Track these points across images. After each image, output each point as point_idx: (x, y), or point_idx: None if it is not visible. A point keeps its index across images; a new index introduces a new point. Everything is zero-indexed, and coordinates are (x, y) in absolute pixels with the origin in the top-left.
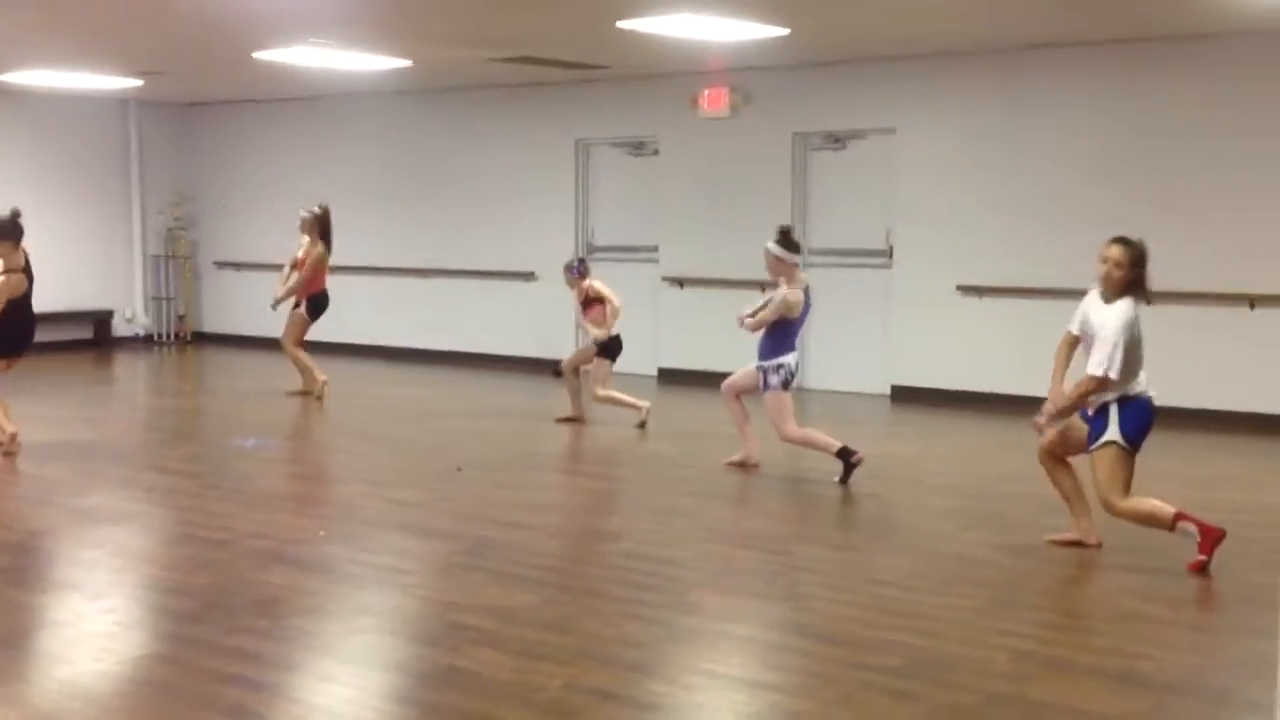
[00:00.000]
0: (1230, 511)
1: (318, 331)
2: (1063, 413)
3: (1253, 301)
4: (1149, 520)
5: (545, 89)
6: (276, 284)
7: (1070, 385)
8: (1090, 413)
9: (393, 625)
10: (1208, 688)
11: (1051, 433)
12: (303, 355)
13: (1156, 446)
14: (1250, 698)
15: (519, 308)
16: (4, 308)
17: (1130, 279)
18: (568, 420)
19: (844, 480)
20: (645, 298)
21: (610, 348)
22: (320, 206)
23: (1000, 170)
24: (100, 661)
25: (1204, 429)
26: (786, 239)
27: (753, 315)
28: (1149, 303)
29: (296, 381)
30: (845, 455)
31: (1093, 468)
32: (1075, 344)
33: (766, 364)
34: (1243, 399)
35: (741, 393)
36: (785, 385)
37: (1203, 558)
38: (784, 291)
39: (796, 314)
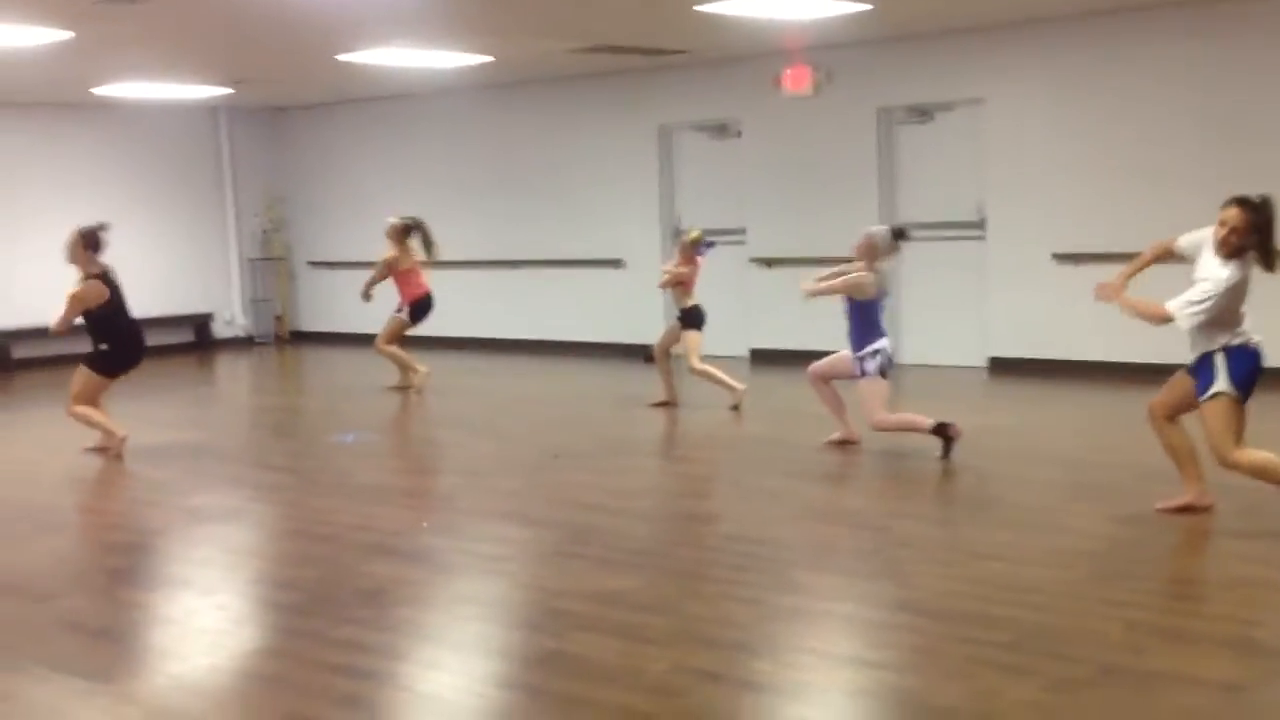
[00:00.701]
0: None
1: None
2: (1113, 290)
3: None
4: (1265, 473)
5: (625, 76)
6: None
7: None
8: (1193, 364)
9: (496, 612)
10: None
11: (1163, 390)
12: (396, 350)
13: (1260, 406)
14: None
15: (608, 295)
16: (94, 321)
17: (1246, 243)
18: (662, 405)
19: (945, 455)
20: (734, 279)
21: (692, 318)
22: (401, 218)
23: (1091, 136)
24: (212, 656)
25: None
26: (898, 233)
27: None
28: (1270, 269)
29: (394, 376)
30: (942, 431)
31: (1203, 421)
32: (1169, 253)
33: (862, 352)
34: None
35: (830, 378)
36: (883, 372)
37: None
38: (856, 271)
39: (866, 296)
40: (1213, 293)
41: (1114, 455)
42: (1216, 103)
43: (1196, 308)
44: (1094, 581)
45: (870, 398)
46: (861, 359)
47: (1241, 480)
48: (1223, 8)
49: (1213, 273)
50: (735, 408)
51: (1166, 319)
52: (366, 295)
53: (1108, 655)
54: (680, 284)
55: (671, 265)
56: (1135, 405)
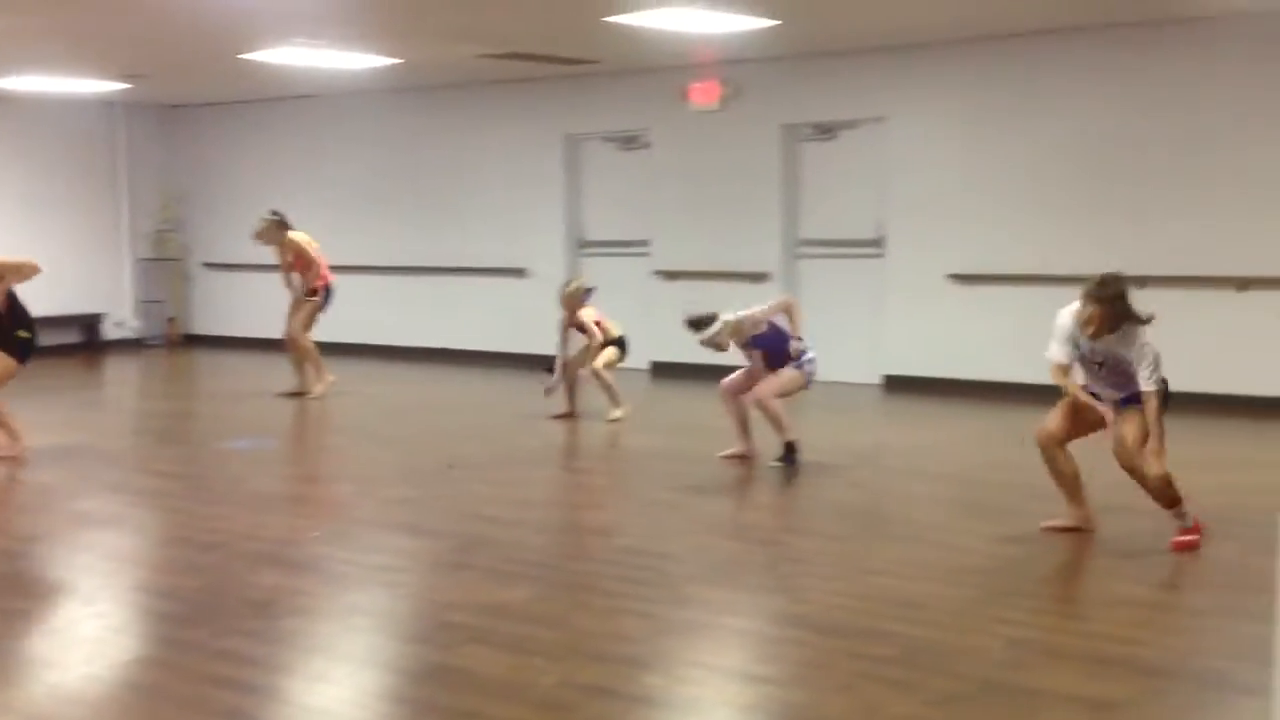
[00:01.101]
0: (1223, 493)
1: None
2: (1160, 437)
3: (1242, 284)
4: (1170, 485)
5: (535, 84)
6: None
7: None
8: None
9: (385, 624)
10: (1202, 672)
11: (1056, 417)
12: (313, 347)
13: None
14: (1244, 681)
15: (510, 304)
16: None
17: (1117, 316)
18: (563, 417)
19: (783, 462)
20: (636, 291)
21: (619, 342)
22: (272, 211)
23: (990, 158)
24: (91, 665)
25: (1198, 412)
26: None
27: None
28: (1146, 322)
29: (289, 381)
30: (791, 447)
31: (1127, 425)
32: (1067, 371)
33: (805, 359)
34: (1235, 382)
35: (741, 392)
36: (809, 380)
37: (1189, 539)
38: (752, 314)
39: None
40: (1148, 349)
41: (1003, 474)
42: (1107, 127)
43: (1154, 364)
44: (980, 598)
45: (785, 382)
46: (803, 364)
47: (1123, 500)
48: (1114, 33)
49: (1125, 346)
50: (612, 421)
51: (1160, 395)
52: (312, 290)
53: (990, 671)
54: (586, 329)
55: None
56: (1025, 425)
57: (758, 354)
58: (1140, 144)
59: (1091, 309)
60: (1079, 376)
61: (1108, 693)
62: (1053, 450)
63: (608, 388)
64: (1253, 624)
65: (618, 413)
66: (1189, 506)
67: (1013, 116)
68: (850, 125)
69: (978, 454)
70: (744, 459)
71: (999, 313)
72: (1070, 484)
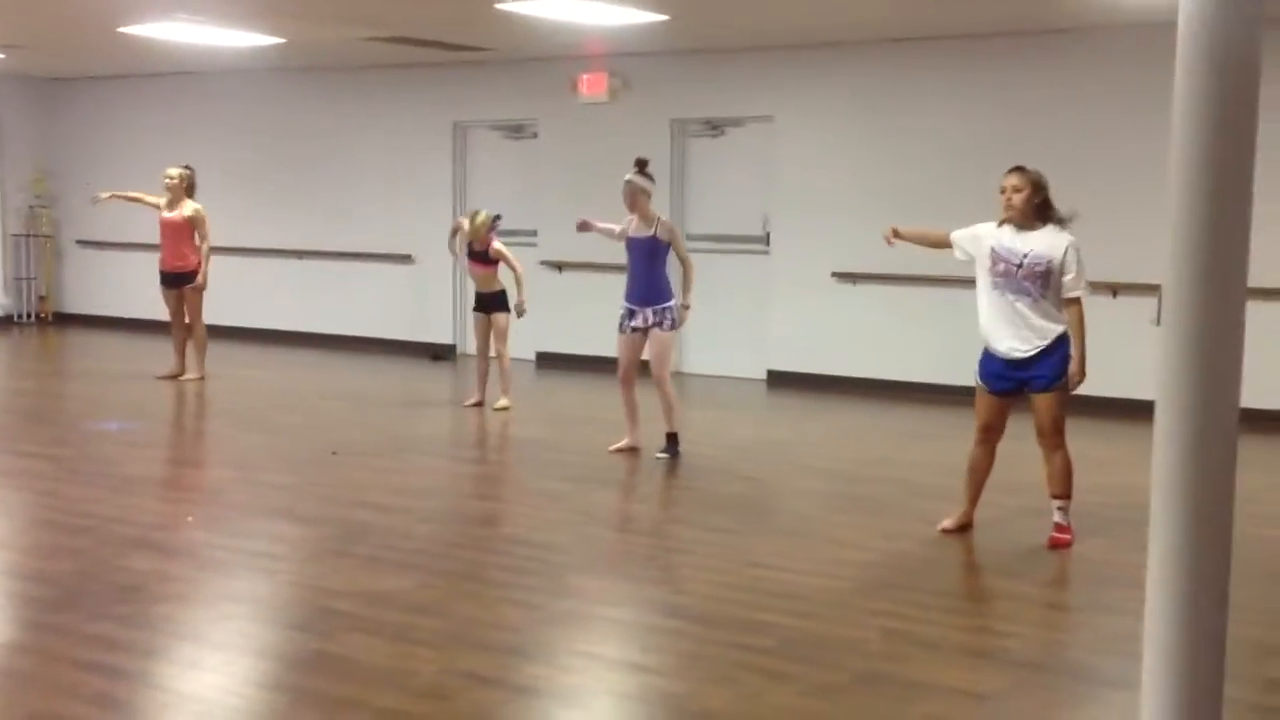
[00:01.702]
0: (1095, 493)
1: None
2: (1082, 351)
3: (1115, 289)
4: (1069, 473)
5: (423, 70)
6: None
7: None
8: (1032, 355)
9: (261, 611)
10: (1070, 664)
11: (985, 412)
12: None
13: (1024, 432)
14: (1110, 674)
15: (396, 290)
16: None
17: (1038, 203)
18: (475, 405)
19: (666, 453)
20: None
21: (502, 301)
22: (185, 166)
23: (874, 159)
24: None
25: (1071, 413)
26: (644, 168)
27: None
28: (1066, 222)
29: (167, 365)
30: (674, 439)
31: (1051, 408)
32: (942, 244)
33: (665, 305)
34: (1107, 385)
35: (634, 374)
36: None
37: (1065, 538)
38: (667, 220)
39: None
40: (1074, 252)
41: (882, 469)
42: (986, 131)
43: (1081, 273)
44: (858, 591)
45: (670, 350)
46: (666, 310)
47: (1002, 498)
48: (993, 41)
49: (1048, 244)
50: (473, 405)
51: (1078, 304)
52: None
53: (866, 663)
54: (488, 266)
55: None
56: (906, 421)
57: (658, 271)
58: (1017, 148)
59: (1016, 179)
60: (985, 284)
61: (982, 684)
62: (987, 452)
63: (505, 374)
64: (1121, 619)
65: (505, 401)
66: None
67: (896, 118)
68: (737, 122)
69: (859, 449)
70: (631, 450)
71: (881, 310)
72: (981, 485)
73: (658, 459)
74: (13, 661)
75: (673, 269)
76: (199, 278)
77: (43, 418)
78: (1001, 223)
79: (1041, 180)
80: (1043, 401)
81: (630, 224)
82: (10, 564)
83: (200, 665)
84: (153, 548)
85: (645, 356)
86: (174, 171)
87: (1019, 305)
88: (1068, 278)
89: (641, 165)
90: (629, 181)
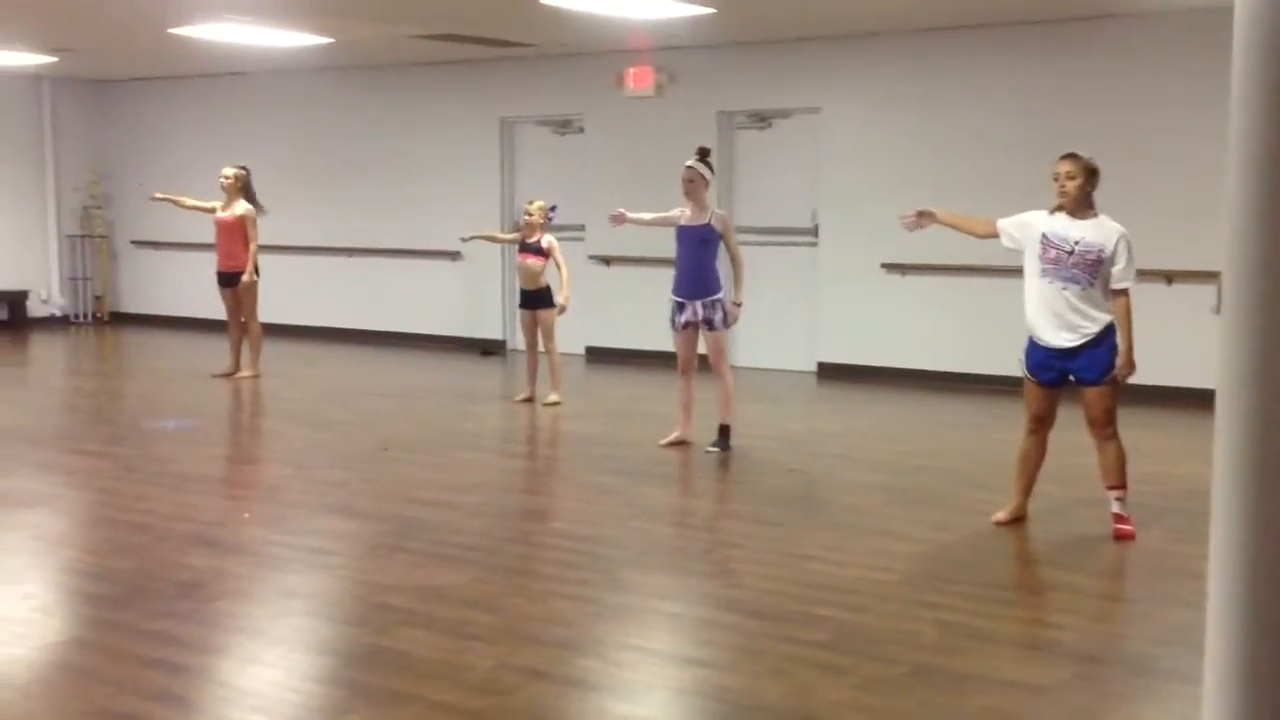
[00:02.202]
0: (1151, 483)
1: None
2: (1130, 340)
3: (1170, 277)
4: (1123, 460)
5: (469, 67)
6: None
7: None
8: (1079, 345)
9: (318, 607)
10: (1129, 657)
11: (1035, 403)
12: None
13: (1075, 421)
14: (1169, 666)
15: (444, 287)
16: None
17: (1090, 190)
18: (525, 401)
19: (718, 447)
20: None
21: (547, 298)
22: (240, 166)
23: (922, 148)
24: (18, 648)
25: (1127, 404)
26: (706, 156)
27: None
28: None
29: (223, 363)
30: (726, 430)
31: (1101, 399)
32: (988, 231)
33: (717, 298)
34: (1162, 374)
35: (691, 366)
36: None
37: (1130, 528)
38: (722, 213)
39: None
40: (1126, 243)
41: (936, 461)
42: (1040, 116)
43: (1130, 264)
44: (911, 584)
45: (726, 344)
46: (717, 304)
47: (1054, 489)
48: (1039, 28)
49: (1101, 234)
50: (550, 405)
51: (1126, 294)
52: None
53: (920, 655)
54: (539, 257)
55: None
56: (956, 413)
57: (711, 263)
58: (1070, 136)
59: (1070, 165)
60: (1033, 271)
61: (1037, 677)
62: (1039, 446)
63: (555, 370)
64: (1181, 610)
65: (555, 396)
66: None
67: (944, 107)
68: (785, 114)
69: (910, 441)
70: (682, 444)
71: (931, 302)
72: (1033, 474)
73: (708, 453)
74: (75, 658)
75: (722, 264)
76: (245, 276)
77: (101, 417)
78: (1054, 210)
79: (1094, 167)
80: (1093, 394)
81: (683, 213)
82: (71, 561)
83: (258, 660)
84: (211, 545)
85: (701, 351)
86: (229, 171)
87: (1067, 293)
88: (1117, 268)
89: (704, 154)
90: (690, 167)
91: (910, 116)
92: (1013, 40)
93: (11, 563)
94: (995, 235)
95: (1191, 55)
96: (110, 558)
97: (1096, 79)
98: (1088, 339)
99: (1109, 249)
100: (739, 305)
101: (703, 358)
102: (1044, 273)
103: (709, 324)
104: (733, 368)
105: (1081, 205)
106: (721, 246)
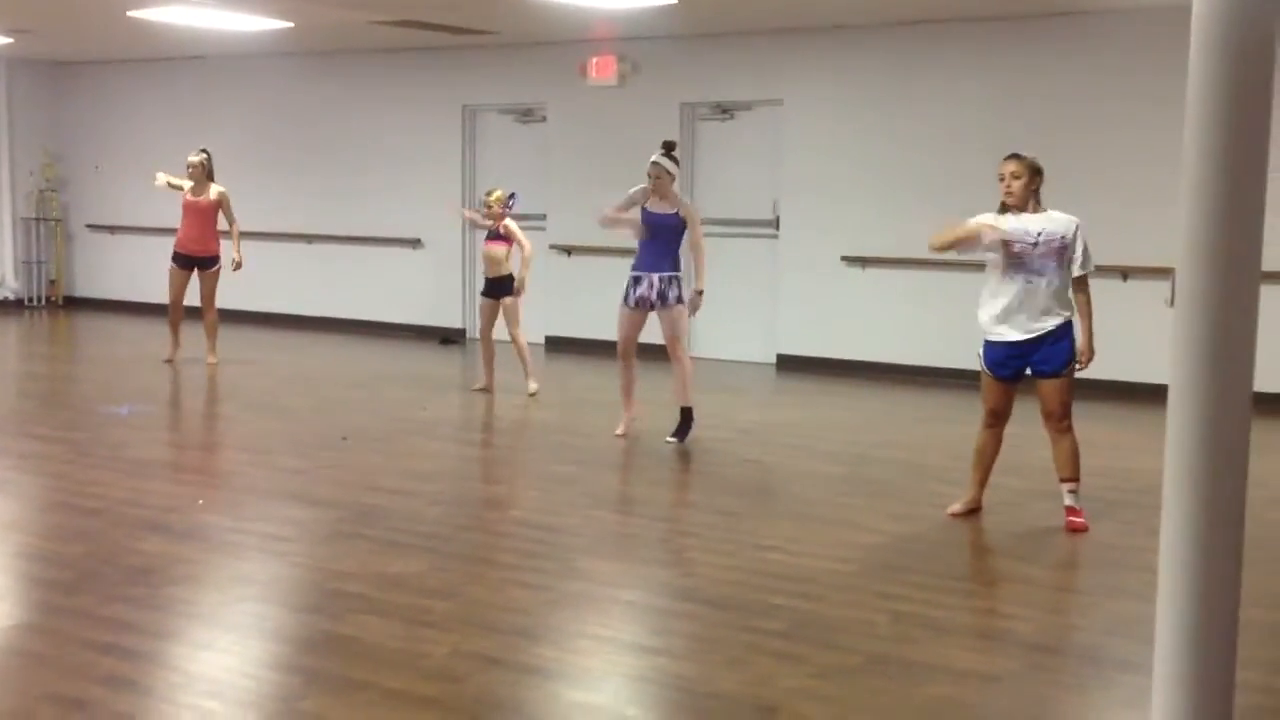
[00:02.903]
0: (1105, 476)
1: (192, 296)
2: (1090, 337)
3: (1126, 273)
4: (1077, 454)
5: (432, 54)
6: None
7: None
8: (1038, 337)
9: (273, 593)
10: (1081, 647)
11: (992, 397)
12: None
13: (1030, 415)
14: (1121, 656)
15: (405, 275)
16: None
17: (1034, 189)
18: (482, 390)
19: (678, 437)
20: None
21: (508, 286)
22: (204, 149)
23: (884, 142)
24: None
25: (1083, 398)
26: (671, 150)
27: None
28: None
29: (167, 349)
30: (690, 416)
31: (1053, 394)
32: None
33: (678, 274)
34: (1116, 369)
35: (633, 349)
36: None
37: (1082, 520)
38: (689, 204)
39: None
40: (1078, 230)
41: (890, 452)
42: (1000, 112)
43: (1087, 251)
44: (868, 574)
45: (684, 322)
46: (675, 280)
47: (1008, 481)
48: (1004, 25)
49: (1054, 224)
50: (532, 395)
51: (1086, 281)
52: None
53: (876, 645)
54: (502, 242)
55: (480, 219)
56: (915, 405)
57: (673, 245)
58: (1028, 132)
59: (1015, 165)
60: (996, 271)
61: (990, 666)
62: (994, 439)
63: (525, 358)
64: (1132, 602)
65: (534, 385)
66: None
67: (905, 102)
68: (746, 106)
69: (868, 433)
70: (629, 430)
71: (891, 295)
72: (988, 467)
73: (667, 443)
74: (26, 643)
75: (683, 255)
76: (235, 257)
77: (54, 401)
78: (1001, 210)
79: (1038, 166)
80: (1050, 386)
81: (646, 198)
82: (23, 546)
83: (212, 646)
84: (164, 530)
85: (642, 339)
86: (195, 158)
87: (1038, 285)
88: (1075, 256)
89: (669, 148)
90: (656, 163)
91: (873, 110)
92: (976, 35)
93: None
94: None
95: (1153, 51)
96: (62, 543)
97: (1058, 74)
98: (1048, 331)
99: (1069, 236)
100: (700, 293)
101: (658, 346)
102: (1009, 269)
103: (663, 299)
104: (692, 358)
105: (1026, 203)
106: (685, 236)
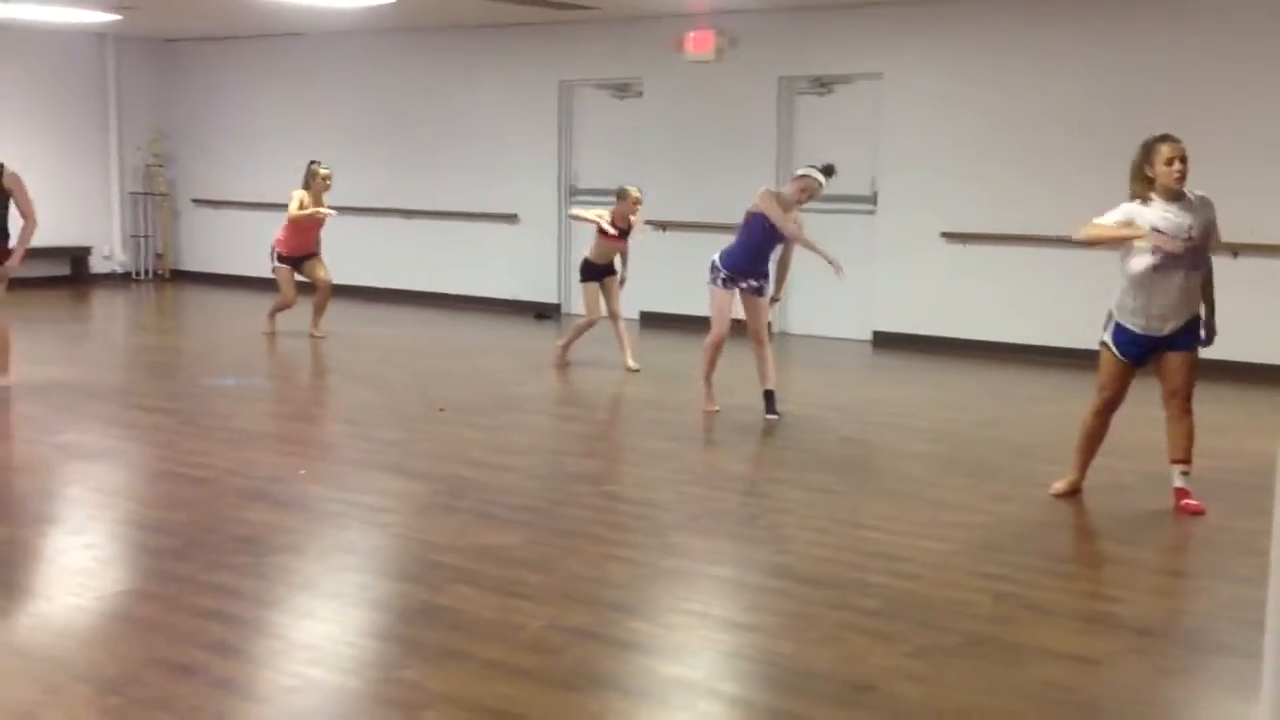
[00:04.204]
0: (1213, 458)
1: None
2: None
3: (1237, 251)
4: (1193, 434)
5: (529, 29)
6: None
7: None
8: (1175, 332)
9: (373, 563)
10: (1186, 631)
11: (1114, 382)
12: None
13: (1134, 396)
14: (1229, 642)
15: (501, 250)
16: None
17: (1152, 178)
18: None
19: (776, 413)
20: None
21: (600, 271)
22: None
23: (984, 117)
24: (79, 597)
25: None
26: (828, 169)
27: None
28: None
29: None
30: (771, 396)
31: (1180, 371)
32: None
33: (762, 269)
34: (1228, 347)
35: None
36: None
37: (1198, 503)
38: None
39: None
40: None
41: (989, 431)
42: (1105, 87)
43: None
44: (965, 553)
45: (766, 313)
46: (765, 279)
47: (1112, 462)
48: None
49: (1207, 215)
50: (632, 371)
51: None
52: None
53: (974, 625)
54: (623, 241)
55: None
56: (1014, 384)
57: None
58: (1132, 104)
59: (1183, 148)
60: (1145, 265)
61: (1091, 649)
62: (1104, 422)
63: (621, 335)
64: (1241, 586)
65: (635, 363)
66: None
67: (1006, 75)
68: (845, 80)
69: (966, 411)
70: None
71: (990, 272)
72: (1095, 450)
73: (767, 420)
74: (135, 608)
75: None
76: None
77: (162, 373)
78: (1145, 200)
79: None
80: (1180, 361)
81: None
82: (132, 514)
83: (313, 614)
84: (268, 500)
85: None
86: (327, 170)
87: (1189, 281)
88: (1217, 237)
89: (830, 171)
90: (821, 184)
91: (972, 84)
92: (1079, 8)
93: (73, 514)
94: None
95: (1267, 25)
96: (169, 511)
97: (1162, 50)
98: (1189, 320)
99: (1213, 218)
100: (777, 301)
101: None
102: (1160, 265)
103: (758, 292)
104: (785, 334)
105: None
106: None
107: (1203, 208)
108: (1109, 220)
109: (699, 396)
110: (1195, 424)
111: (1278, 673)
